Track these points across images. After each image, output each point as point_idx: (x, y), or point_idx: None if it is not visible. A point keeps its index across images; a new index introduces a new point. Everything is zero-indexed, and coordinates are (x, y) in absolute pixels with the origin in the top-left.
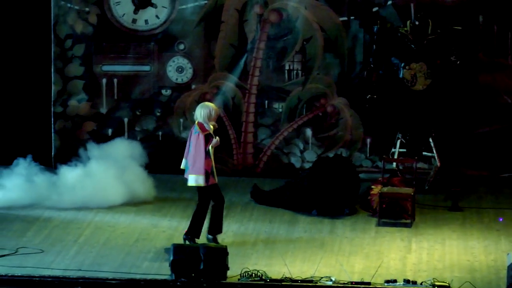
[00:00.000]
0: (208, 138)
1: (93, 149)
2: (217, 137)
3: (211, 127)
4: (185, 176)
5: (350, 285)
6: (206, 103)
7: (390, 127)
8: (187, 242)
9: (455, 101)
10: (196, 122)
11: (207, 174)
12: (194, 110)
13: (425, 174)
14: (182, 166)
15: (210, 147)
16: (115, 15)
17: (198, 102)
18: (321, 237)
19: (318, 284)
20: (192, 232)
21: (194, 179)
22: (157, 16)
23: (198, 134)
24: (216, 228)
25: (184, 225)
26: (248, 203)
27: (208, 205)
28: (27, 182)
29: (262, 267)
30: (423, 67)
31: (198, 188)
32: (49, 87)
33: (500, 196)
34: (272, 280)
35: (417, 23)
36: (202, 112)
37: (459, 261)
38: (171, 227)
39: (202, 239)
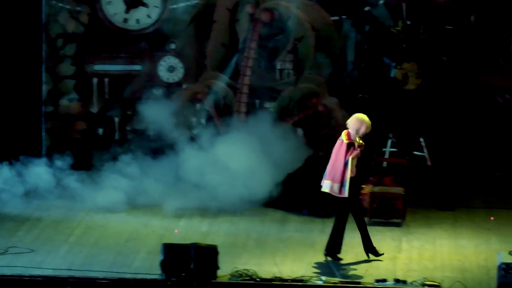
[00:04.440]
0: (349, 147)
1: None
2: (358, 149)
3: (358, 139)
4: (322, 181)
5: (340, 285)
6: (364, 117)
7: (381, 126)
8: (329, 259)
9: (447, 101)
10: (346, 130)
11: (343, 184)
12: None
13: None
14: None
15: (350, 158)
16: (106, 15)
17: (190, 101)
18: (311, 237)
19: (309, 283)
20: (331, 248)
21: (329, 186)
22: (148, 16)
23: (342, 142)
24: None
25: (174, 224)
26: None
27: (346, 219)
28: None
29: (253, 266)
30: (414, 67)
31: (336, 199)
32: (40, 86)
33: (491, 196)
34: (262, 279)
35: (408, 22)
36: (356, 123)
37: (449, 260)
38: (162, 226)
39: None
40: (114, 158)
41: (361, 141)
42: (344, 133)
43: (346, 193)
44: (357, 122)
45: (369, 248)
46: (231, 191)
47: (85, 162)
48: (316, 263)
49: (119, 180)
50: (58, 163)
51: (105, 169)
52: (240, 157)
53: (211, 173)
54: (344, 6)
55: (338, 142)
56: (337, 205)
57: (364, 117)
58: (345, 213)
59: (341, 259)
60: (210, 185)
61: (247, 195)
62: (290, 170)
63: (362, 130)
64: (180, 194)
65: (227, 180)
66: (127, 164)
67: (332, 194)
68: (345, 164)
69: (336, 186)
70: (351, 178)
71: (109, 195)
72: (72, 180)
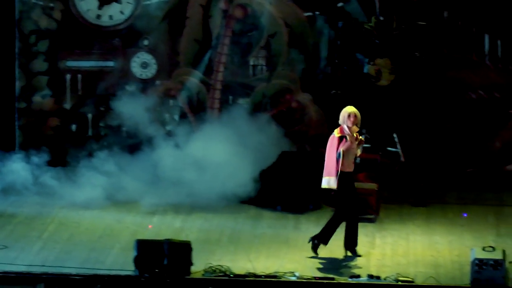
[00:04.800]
0: (340, 141)
1: None
2: (350, 141)
3: (353, 131)
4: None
5: (313, 281)
6: (347, 107)
7: None
8: (311, 244)
9: (420, 97)
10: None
11: (335, 175)
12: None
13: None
14: None
15: (341, 150)
16: (79, 11)
17: (163, 98)
18: (285, 233)
19: (282, 279)
20: (321, 237)
21: (326, 181)
22: (121, 12)
23: (333, 136)
24: (351, 242)
25: (148, 221)
26: (212, 199)
27: (345, 213)
28: None
29: (226, 262)
30: (388, 63)
31: (334, 193)
32: (13, 82)
33: (464, 192)
34: (236, 275)
35: (381, 18)
36: (341, 116)
37: (423, 256)
38: (135, 222)
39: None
40: (89, 154)
41: (360, 137)
42: (337, 129)
43: (335, 185)
44: (342, 113)
45: (350, 245)
46: (204, 187)
47: (59, 158)
48: (290, 259)
49: (93, 176)
50: (32, 159)
51: (79, 165)
52: (214, 153)
53: (185, 170)
54: (317, 2)
55: (330, 137)
56: (338, 202)
57: (347, 107)
58: (348, 207)
59: (359, 255)
60: (184, 182)
61: (221, 192)
62: (264, 166)
63: (348, 119)
64: (154, 190)
65: (201, 177)
66: (101, 160)
67: (331, 189)
68: (337, 157)
69: (333, 180)
70: (349, 173)
71: (84, 191)
72: (45, 176)
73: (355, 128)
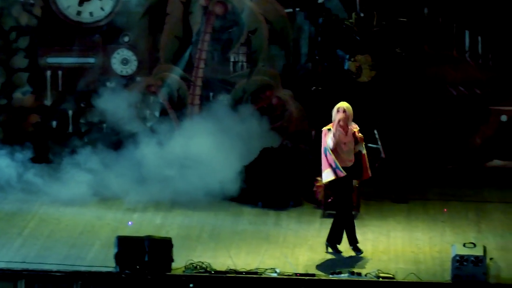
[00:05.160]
0: (328, 132)
1: None
2: (334, 134)
3: (353, 128)
4: None
5: (294, 277)
6: (338, 104)
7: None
8: (329, 249)
9: (401, 93)
10: None
11: (333, 168)
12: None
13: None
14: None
15: (327, 144)
16: (59, 7)
17: (144, 94)
18: (266, 229)
19: (263, 276)
20: (332, 238)
21: (323, 176)
22: (102, 8)
23: (324, 131)
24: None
25: (128, 217)
26: (193, 195)
27: (342, 208)
28: None
29: (207, 259)
30: (368, 59)
31: (334, 192)
32: None
33: (445, 188)
34: (216, 272)
35: (362, 15)
36: (333, 113)
37: (403, 252)
38: (116, 219)
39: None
40: (71, 151)
41: (359, 134)
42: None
43: (342, 172)
44: (333, 111)
45: (333, 240)
46: (185, 184)
47: (41, 155)
48: (271, 255)
49: (75, 173)
50: (12, 155)
51: (60, 162)
52: (195, 149)
53: (166, 166)
54: None
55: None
56: (334, 198)
57: (338, 104)
58: (342, 202)
59: (361, 251)
60: (165, 178)
61: (202, 188)
62: (246, 162)
63: (336, 114)
64: (135, 187)
65: (182, 173)
66: (83, 156)
67: (331, 181)
68: (324, 152)
69: (327, 173)
70: (349, 167)
71: (66, 188)
72: (27, 173)
73: (355, 126)
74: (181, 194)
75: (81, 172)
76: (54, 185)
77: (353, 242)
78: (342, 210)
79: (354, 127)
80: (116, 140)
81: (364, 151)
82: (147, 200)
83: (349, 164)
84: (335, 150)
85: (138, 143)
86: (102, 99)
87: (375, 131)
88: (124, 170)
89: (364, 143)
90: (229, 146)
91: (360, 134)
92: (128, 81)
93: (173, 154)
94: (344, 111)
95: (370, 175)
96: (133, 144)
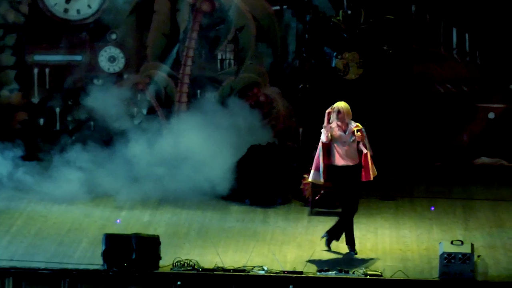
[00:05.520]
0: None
1: None
2: (325, 132)
3: (355, 126)
4: None
5: (282, 274)
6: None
7: (323, 116)
8: (325, 240)
9: (388, 91)
10: None
11: (318, 170)
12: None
13: None
14: None
15: (321, 142)
16: (46, 5)
17: (131, 92)
18: (253, 227)
19: (251, 273)
20: (332, 233)
21: (310, 174)
22: (89, 6)
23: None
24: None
25: (116, 215)
26: (181, 193)
27: (346, 206)
28: None
29: (195, 256)
30: (356, 57)
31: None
32: None
33: (433, 185)
34: (204, 269)
35: (349, 12)
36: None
37: (391, 250)
38: (103, 217)
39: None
40: (58, 149)
41: (359, 133)
42: None
43: (321, 178)
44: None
45: (332, 236)
46: (173, 181)
47: (30, 153)
48: (258, 253)
49: (65, 171)
50: (1, 153)
51: (47, 159)
52: (181, 147)
53: (153, 164)
54: None
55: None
56: (338, 196)
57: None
58: (345, 199)
59: (356, 252)
60: (152, 176)
61: (191, 186)
62: (233, 159)
63: (334, 116)
64: (124, 185)
65: (170, 171)
66: (72, 154)
67: (334, 181)
68: (318, 150)
69: (312, 174)
70: (337, 166)
71: (55, 186)
72: (17, 171)
73: (355, 124)
74: (168, 192)
75: (71, 170)
76: (43, 183)
77: (350, 242)
78: (345, 209)
79: (354, 126)
80: (104, 138)
81: (366, 151)
82: (135, 198)
83: (352, 163)
84: (331, 149)
85: (126, 141)
86: (90, 97)
87: (363, 129)
88: (113, 168)
89: (366, 143)
90: (217, 144)
91: (358, 133)
92: (115, 78)
93: (160, 151)
94: (339, 111)
95: (371, 178)
96: (121, 141)
